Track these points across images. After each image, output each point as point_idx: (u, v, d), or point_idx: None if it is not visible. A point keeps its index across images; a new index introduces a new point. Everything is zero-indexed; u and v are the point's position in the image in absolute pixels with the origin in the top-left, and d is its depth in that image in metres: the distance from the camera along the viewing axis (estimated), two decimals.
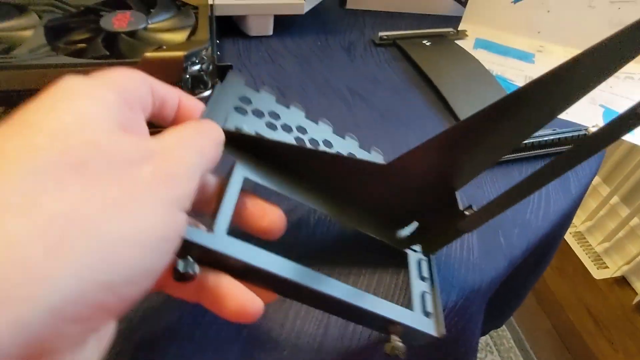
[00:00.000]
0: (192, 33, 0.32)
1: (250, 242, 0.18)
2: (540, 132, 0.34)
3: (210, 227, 0.17)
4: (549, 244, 0.39)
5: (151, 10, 0.33)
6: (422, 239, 0.25)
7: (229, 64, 0.32)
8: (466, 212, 0.22)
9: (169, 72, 0.29)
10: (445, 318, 0.22)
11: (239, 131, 0.21)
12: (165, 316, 0.21)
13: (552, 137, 0.34)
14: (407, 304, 0.21)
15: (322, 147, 0.25)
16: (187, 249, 0.15)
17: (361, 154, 0.27)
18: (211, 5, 0.35)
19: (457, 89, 0.39)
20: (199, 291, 0.17)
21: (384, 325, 0.20)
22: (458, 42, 0.47)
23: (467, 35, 0.49)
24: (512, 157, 0.34)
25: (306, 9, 0.44)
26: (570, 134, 0.34)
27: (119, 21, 0.31)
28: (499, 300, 0.35)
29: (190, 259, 0.16)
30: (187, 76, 0.30)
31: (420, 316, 0.21)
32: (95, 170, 0.12)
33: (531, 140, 0.33)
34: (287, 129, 0.24)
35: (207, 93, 0.33)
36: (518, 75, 0.44)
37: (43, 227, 0.11)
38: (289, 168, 0.22)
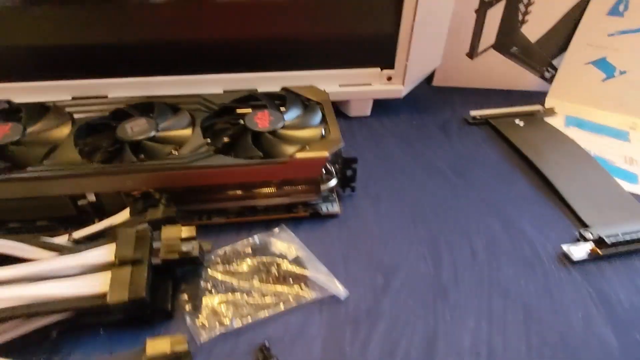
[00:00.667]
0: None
1: None
2: None
3: None
4: None
5: (281, 107, 0.38)
6: None
7: (354, 157, 0.35)
8: None
9: (313, 170, 0.32)
10: None
11: None
12: None
13: None
14: None
15: None
16: None
17: None
18: None
19: (561, 172, 0.40)
20: None
21: None
22: (548, 119, 0.49)
23: (555, 113, 0.50)
24: None
25: (404, 93, 0.47)
26: None
27: (261, 120, 0.35)
28: None
29: None
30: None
31: None
32: None
33: None
34: None
35: (333, 182, 0.36)
36: (616, 155, 0.44)
37: None
38: None
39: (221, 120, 0.36)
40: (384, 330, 0.28)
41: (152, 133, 0.33)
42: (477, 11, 0.48)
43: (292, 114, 0.36)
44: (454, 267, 0.32)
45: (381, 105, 0.49)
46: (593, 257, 0.33)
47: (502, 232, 0.35)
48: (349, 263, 0.32)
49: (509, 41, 0.52)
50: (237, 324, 0.28)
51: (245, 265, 0.31)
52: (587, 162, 0.43)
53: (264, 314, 0.28)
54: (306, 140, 0.34)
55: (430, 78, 0.56)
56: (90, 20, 0.41)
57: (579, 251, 0.33)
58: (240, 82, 0.44)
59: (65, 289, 0.25)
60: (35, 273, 0.26)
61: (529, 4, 0.49)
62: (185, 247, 0.28)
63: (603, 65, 0.50)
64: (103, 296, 0.25)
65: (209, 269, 0.31)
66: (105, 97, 0.43)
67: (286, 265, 0.31)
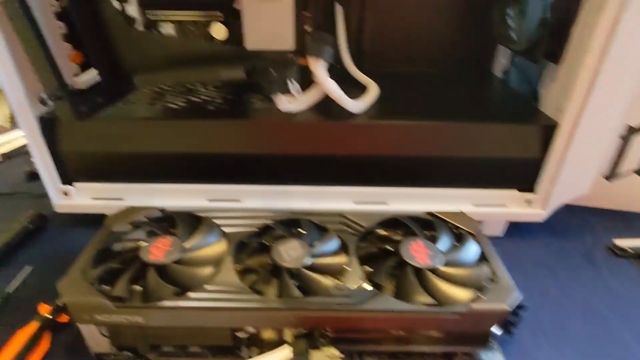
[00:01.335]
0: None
1: None
2: None
3: None
4: None
5: (433, 235, 0.36)
6: None
7: (523, 304, 0.32)
8: None
9: (488, 322, 0.29)
10: None
11: None
12: None
13: None
14: None
15: None
16: None
17: None
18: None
19: None
20: None
21: None
22: None
23: None
24: None
25: (544, 218, 0.44)
26: None
27: (418, 254, 0.33)
28: None
29: None
30: None
31: None
32: None
33: None
34: None
35: (499, 331, 0.32)
36: None
37: None
38: None
39: (373, 245, 0.35)
40: None
41: (309, 261, 0.32)
42: (623, 137, 0.46)
43: (444, 245, 0.34)
44: None
45: (515, 225, 0.46)
46: None
47: None
48: None
49: None
50: None
51: None
52: None
53: None
54: (471, 282, 0.31)
55: None
56: (232, 133, 0.43)
57: None
58: (372, 195, 0.44)
59: None
60: None
61: None
62: None
63: None
64: None
65: None
66: (239, 201, 0.44)
67: None
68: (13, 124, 0.84)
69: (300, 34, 0.54)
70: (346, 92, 0.40)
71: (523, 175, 0.43)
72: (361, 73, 0.48)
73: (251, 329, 0.29)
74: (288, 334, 0.30)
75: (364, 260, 0.34)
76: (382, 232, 0.37)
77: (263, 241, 0.35)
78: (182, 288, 0.30)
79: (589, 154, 0.40)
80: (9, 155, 0.66)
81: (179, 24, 0.54)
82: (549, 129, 0.40)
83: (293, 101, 0.41)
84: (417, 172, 0.43)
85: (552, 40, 0.41)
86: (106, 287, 0.31)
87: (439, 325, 0.29)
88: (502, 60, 0.55)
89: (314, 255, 0.33)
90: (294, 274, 0.31)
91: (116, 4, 0.46)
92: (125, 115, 0.43)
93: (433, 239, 0.34)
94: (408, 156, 0.42)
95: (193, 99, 0.46)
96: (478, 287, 0.31)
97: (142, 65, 0.44)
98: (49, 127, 0.41)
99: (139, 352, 0.31)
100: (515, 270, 0.42)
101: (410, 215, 0.38)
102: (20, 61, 0.37)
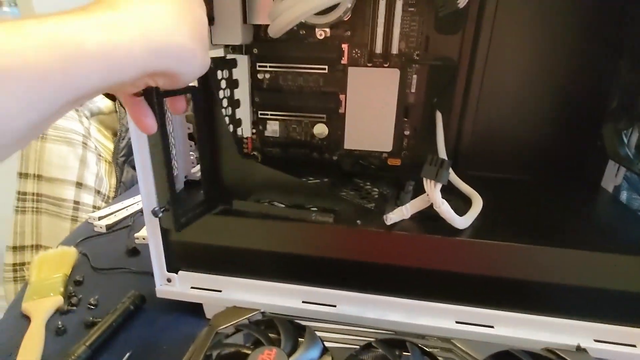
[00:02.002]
0: None
1: None
2: None
3: None
4: None
5: None
6: None
7: None
8: None
9: None
10: None
11: None
12: None
13: None
14: None
15: None
16: None
17: None
18: None
19: None
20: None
21: None
22: None
23: None
24: None
25: None
26: None
27: None
28: None
29: None
30: None
31: None
32: None
33: None
34: None
35: None
36: None
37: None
38: None
39: None
40: None
41: None
42: None
43: None
44: None
45: None
46: None
47: None
48: None
49: None
50: None
51: None
52: None
53: None
54: None
55: None
56: (334, 238, 0.43)
57: None
58: (477, 317, 0.41)
59: None
60: None
61: None
62: None
63: None
64: None
65: None
66: (334, 306, 0.43)
67: None
68: (116, 195, 0.93)
69: (398, 138, 0.56)
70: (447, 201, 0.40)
71: None
72: (464, 184, 0.48)
73: None
74: None
75: None
76: None
77: None
78: None
79: None
80: (112, 227, 0.71)
81: (283, 122, 0.59)
82: None
83: (396, 212, 0.41)
84: (529, 297, 0.40)
85: None
86: None
87: None
88: (612, 174, 0.52)
89: None
90: None
91: (230, 127, 0.50)
92: (231, 212, 0.45)
93: None
94: (518, 279, 0.40)
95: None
96: None
97: (241, 191, 0.45)
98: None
99: None
100: None
101: (525, 349, 0.35)
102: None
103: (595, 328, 0.39)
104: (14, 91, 0.18)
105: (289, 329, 0.36)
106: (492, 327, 0.40)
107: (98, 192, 0.89)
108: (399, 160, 0.57)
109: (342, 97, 0.55)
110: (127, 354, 0.42)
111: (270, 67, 0.55)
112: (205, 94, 0.39)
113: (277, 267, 0.45)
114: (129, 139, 0.93)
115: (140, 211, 0.73)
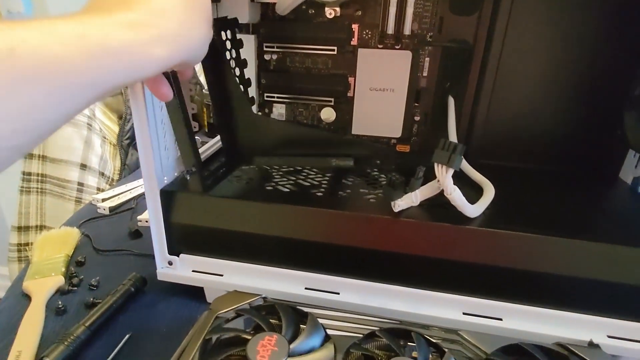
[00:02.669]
0: None
1: None
2: None
3: None
4: None
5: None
6: None
7: None
8: None
9: None
10: None
11: None
12: None
13: None
14: None
15: None
16: None
17: None
18: None
19: None
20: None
21: None
22: None
23: None
24: None
25: None
26: None
27: None
28: None
29: None
30: None
31: None
32: None
33: None
34: None
35: None
36: None
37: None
38: None
39: None
40: None
41: None
42: None
43: None
44: None
45: None
46: None
47: None
48: None
49: None
50: None
51: None
52: None
53: None
54: None
55: None
56: (338, 224, 0.42)
57: None
58: (484, 308, 0.39)
59: None
60: None
61: None
62: None
63: None
64: None
65: None
66: (338, 293, 0.42)
67: None
68: (120, 177, 0.92)
69: (407, 124, 0.55)
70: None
71: None
72: (476, 172, 0.46)
73: None
74: None
75: None
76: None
77: (374, 354, 0.32)
78: None
79: None
80: (115, 209, 0.70)
81: (290, 105, 0.58)
82: None
83: (405, 198, 0.40)
84: (540, 290, 0.39)
85: None
86: None
87: None
88: (632, 164, 0.50)
89: None
90: None
91: (241, 88, 0.50)
92: (235, 195, 0.44)
93: None
94: (530, 270, 0.38)
95: (302, 182, 0.47)
96: None
97: (258, 147, 0.46)
98: (166, 199, 0.43)
99: None
100: None
101: (536, 343, 0.34)
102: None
103: (609, 324, 0.38)
104: (47, 87, 0.19)
105: (290, 315, 0.35)
106: (500, 319, 0.39)
107: (102, 174, 0.89)
108: (408, 146, 0.56)
109: (351, 79, 0.53)
110: (127, 336, 0.42)
111: (277, 47, 0.53)
112: (214, 57, 0.39)
113: (280, 252, 0.44)
114: None
115: (144, 194, 0.73)
